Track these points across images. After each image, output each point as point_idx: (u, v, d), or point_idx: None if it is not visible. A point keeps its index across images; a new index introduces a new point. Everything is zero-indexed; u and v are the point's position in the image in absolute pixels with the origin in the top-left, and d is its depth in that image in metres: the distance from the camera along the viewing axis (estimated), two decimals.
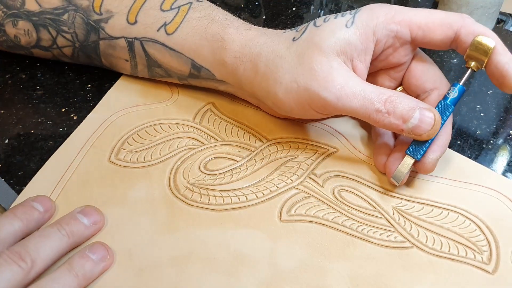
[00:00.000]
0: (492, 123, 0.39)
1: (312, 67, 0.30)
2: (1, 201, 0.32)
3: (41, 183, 0.33)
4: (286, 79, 0.31)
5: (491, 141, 0.37)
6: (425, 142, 0.30)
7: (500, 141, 0.37)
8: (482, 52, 0.29)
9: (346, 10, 0.32)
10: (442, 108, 0.31)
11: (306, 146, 0.36)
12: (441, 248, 0.30)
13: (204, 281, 0.28)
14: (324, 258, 0.29)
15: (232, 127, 0.37)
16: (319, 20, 0.32)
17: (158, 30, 0.36)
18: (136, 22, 0.36)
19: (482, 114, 0.39)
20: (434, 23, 0.30)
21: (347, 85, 0.29)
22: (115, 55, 0.38)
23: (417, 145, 0.31)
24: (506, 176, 0.34)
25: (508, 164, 0.36)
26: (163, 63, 0.37)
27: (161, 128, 0.37)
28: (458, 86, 0.31)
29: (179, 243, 0.30)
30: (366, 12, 0.31)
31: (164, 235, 0.30)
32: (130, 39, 0.36)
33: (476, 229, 0.31)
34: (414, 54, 0.33)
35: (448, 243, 0.30)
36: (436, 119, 0.29)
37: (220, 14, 0.36)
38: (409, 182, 0.33)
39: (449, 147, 0.36)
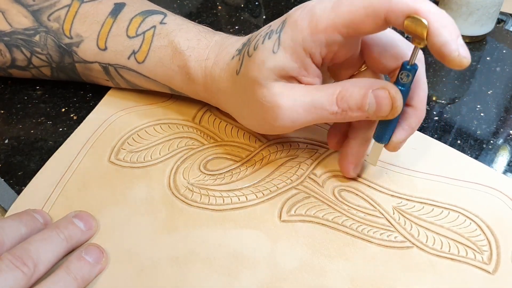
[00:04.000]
0: (492, 123, 0.39)
1: (257, 100, 0.29)
2: (1, 201, 0.32)
3: (41, 183, 0.33)
4: (244, 113, 0.32)
5: (491, 141, 0.37)
6: (387, 125, 0.29)
7: (500, 141, 0.37)
8: (417, 33, 0.25)
9: None
10: None
11: (306, 146, 0.36)
12: (441, 248, 0.30)
13: (204, 281, 0.28)
14: (324, 258, 0.29)
15: (232, 127, 0.37)
16: (251, 47, 0.30)
17: (128, 58, 0.36)
18: (106, 48, 0.36)
19: (482, 114, 0.39)
20: (359, 17, 0.26)
21: (296, 105, 0.28)
22: (94, 75, 0.38)
23: (381, 129, 0.30)
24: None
25: (508, 164, 0.36)
26: (142, 86, 0.37)
27: (161, 128, 0.37)
28: (407, 67, 0.28)
29: (179, 243, 0.30)
30: (290, 27, 0.28)
31: (164, 235, 0.30)
32: (104, 65, 0.36)
33: (476, 229, 0.31)
34: (369, 37, 0.30)
35: (449, 243, 0.30)
36: (391, 95, 0.27)
37: (181, 41, 0.34)
38: (409, 182, 0.33)
39: (450, 147, 0.36)
